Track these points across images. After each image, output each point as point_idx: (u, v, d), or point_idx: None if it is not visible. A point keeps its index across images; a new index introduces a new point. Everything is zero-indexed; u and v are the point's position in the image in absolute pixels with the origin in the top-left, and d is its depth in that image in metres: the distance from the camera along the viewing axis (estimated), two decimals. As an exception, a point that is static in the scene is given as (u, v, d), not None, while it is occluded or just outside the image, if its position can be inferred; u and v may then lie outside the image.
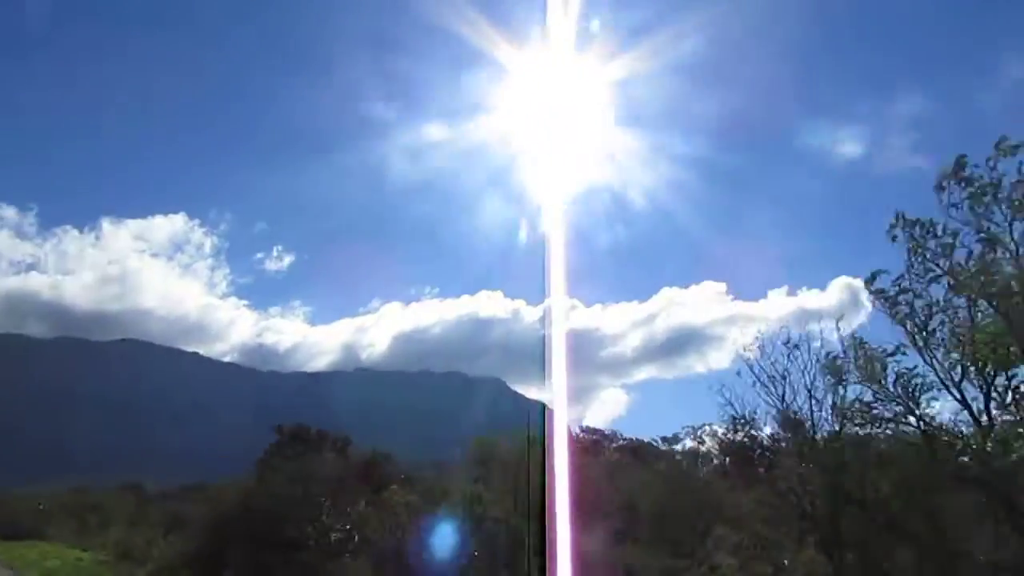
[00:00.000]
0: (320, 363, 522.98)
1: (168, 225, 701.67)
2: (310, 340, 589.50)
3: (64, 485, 76.23)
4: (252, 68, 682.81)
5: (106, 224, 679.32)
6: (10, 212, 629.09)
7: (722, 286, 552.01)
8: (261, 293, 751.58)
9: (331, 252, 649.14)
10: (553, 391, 7.29)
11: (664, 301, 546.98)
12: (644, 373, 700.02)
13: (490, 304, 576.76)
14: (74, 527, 41.98)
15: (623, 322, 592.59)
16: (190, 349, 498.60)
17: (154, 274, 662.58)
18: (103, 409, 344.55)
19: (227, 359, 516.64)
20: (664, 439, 23.30)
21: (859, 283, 19.61)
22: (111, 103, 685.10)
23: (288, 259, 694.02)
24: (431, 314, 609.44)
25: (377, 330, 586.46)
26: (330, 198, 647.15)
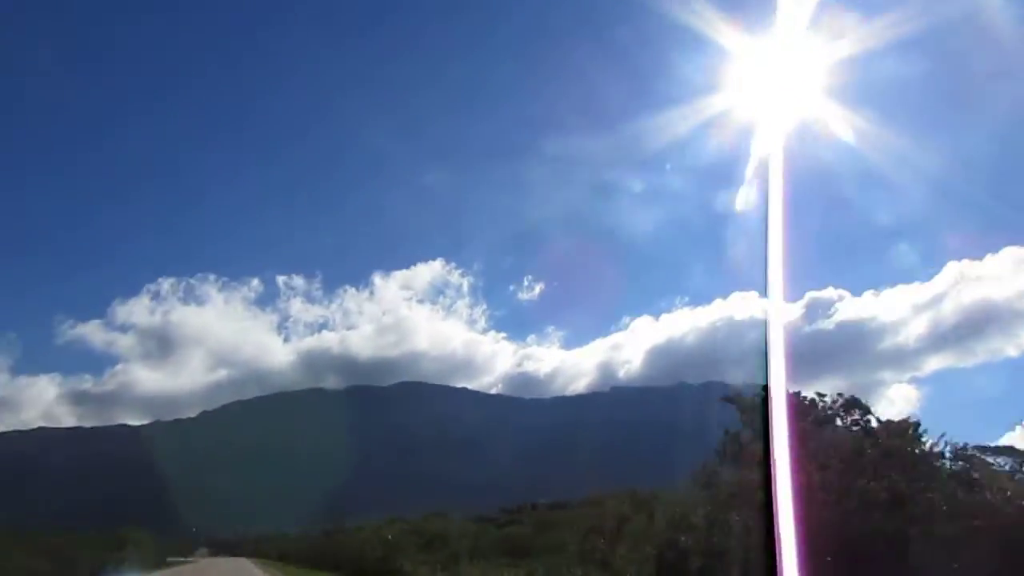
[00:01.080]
0: (579, 385, 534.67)
1: (428, 272, 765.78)
2: (567, 364, 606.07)
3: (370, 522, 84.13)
4: (473, 86, 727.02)
5: (377, 279, 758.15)
6: (300, 281, 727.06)
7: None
8: (517, 324, 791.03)
9: (577, 274, 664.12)
10: (771, 388, 6.62)
11: (952, 277, 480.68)
12: (936, 363, 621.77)
13: (744, 306, 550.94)
14: (427, 559, 36.42)
15: (903, 307, 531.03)
16: (460, 385, 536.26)
17: (421, 319, 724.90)
18: (392, 449, 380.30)
19: (493, 391, 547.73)
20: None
21: None
22: (364, 172, 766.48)
23: (538, 287, 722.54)
24: (683, 324, 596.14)
25: (630, 347, 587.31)
26: (567, 218, 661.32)
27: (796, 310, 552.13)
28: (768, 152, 7.24)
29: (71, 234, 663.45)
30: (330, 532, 59.65)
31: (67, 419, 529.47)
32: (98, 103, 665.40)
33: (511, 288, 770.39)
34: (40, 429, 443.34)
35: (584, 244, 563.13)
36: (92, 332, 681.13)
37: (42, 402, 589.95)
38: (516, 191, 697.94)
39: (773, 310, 6.73)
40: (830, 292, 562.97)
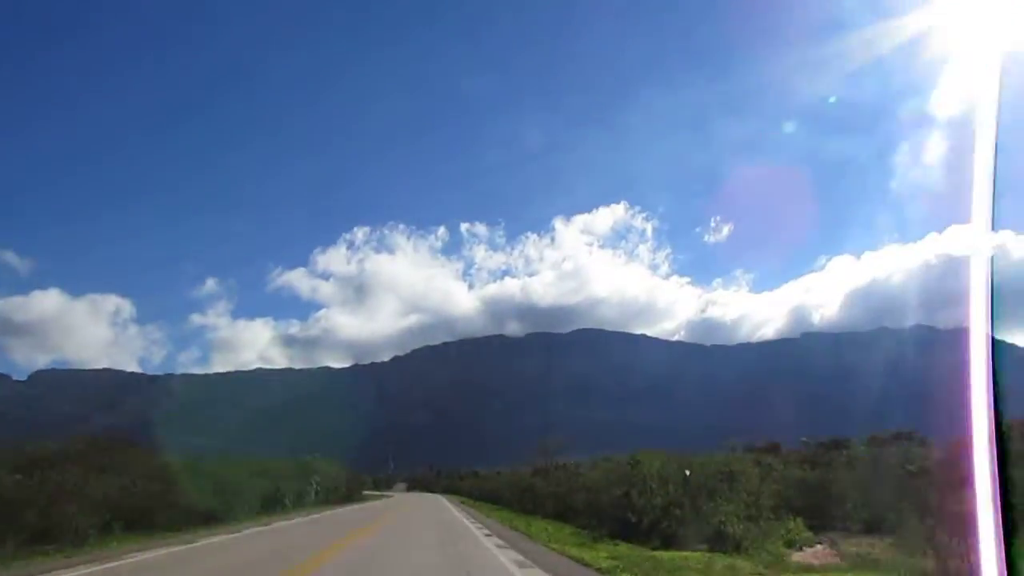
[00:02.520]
0: (767, 331, 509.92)
1: (610, 215, 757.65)
2: (755, 309, 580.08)
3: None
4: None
5: (558, 224, 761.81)
6: (483, 229, 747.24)
7: None
8: (702, 268, 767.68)
9: (769, 212, 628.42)
10: (971, 331, 5.52)
11: None
12: None
13: (964, 239, 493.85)
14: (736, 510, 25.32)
15: None
16: (639, 332, 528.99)
17: (602, 264, 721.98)
18: (573, 391, 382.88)
19: (674, 338, 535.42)
20: None
21: None
22: (543, 121, 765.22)
23: (727, 228, 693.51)
24: (889, 262, 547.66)
25: (826, 289, 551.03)
26: (758, 151, 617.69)
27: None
28: (981, 64, 5.84)
29: (276, 187, 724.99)
30: (542, 470, 49.22)
31: (280, 360, 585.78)
32: (295, 70, 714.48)
33: (697, 230, 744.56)
34: (258, 370, 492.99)
35: (777, 178, 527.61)
36: (298, 279, 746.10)
37: (258, 344, 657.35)
38: (701, 124, 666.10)
39: (977, 243, 5.85)
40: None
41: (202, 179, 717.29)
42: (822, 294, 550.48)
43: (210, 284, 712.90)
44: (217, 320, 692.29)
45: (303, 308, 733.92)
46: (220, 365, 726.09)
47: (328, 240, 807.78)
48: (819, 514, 17.47)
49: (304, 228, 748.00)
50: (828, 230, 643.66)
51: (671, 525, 18.33)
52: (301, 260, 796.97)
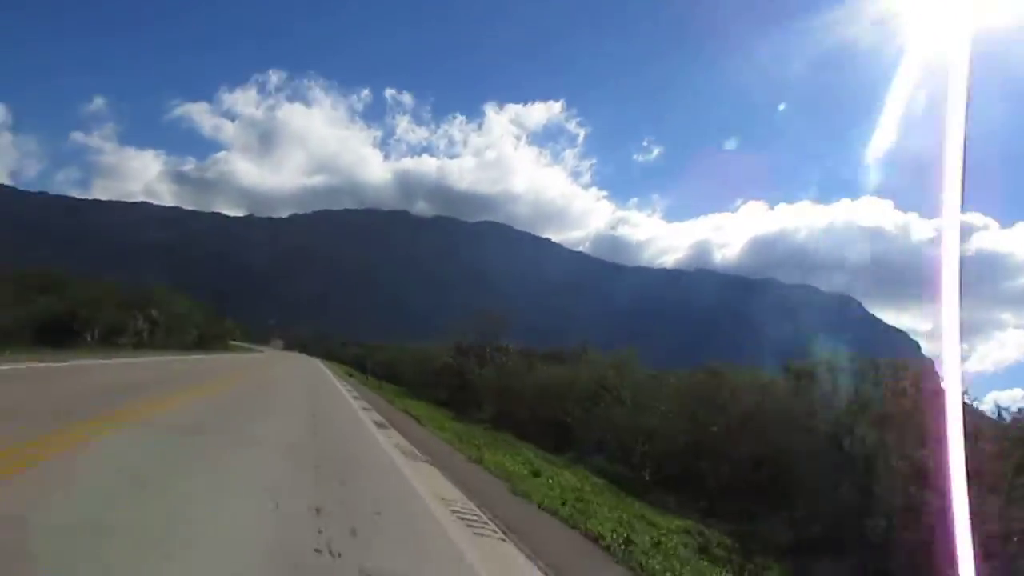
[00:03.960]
0: (667, 260, 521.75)
1: (545, 112, 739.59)
2: (663, 236, 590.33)
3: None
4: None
5: (489, 111, 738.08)
6: (409, 99, 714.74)
7: None
8: (623, 184, 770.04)
9: (702, 146, 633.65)
10: (944, 332, 4.04)
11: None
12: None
13: (873, 213, 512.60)
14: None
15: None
16: (545, 235, 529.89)
17: (526, 161, 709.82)
18: (470, 282, 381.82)
19: (579, 248, 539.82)
20: None
21: None
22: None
23: (657, 150, 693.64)
24: (799, 217, 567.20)
25: (734, 231, 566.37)
26: (708, 92, 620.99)
27: (928, 229, 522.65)
28: (943, 49, 4.89)
29: (188, 11, 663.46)
30: (472, 351, 41.65)
31: (167, 197, 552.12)
32: None
33: (628, 146, 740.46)
34: (143, 204, 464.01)
35: (719, 120, 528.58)
36: (199, 113, 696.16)
37: (145, 176, 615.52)
38: (660, 50, 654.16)
39: (948, 233, 4.63)
40: (974, 217, 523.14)
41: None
42: (730, 234, 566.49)
43: (98, 103, 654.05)
44: (102, 143, 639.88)
45: (201, 146, 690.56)
46: (101, 192, 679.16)
47: (238, 79, 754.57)
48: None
49: (213, 60, 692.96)
50: (750, 177, 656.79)
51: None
52: (206, 95, 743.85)
